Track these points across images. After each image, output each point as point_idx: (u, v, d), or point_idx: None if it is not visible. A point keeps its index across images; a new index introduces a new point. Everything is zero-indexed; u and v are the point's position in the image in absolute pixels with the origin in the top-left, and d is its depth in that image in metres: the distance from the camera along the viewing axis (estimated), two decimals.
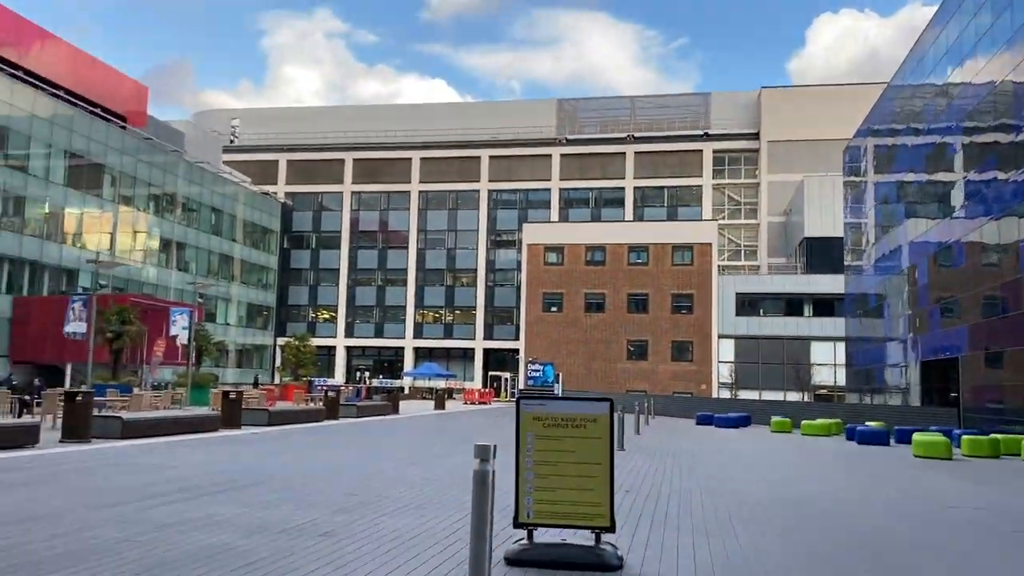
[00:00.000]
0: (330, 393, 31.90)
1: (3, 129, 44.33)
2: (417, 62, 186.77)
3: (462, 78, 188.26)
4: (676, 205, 75.20)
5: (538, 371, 61.16)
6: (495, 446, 5.51)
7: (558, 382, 59.59)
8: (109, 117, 52.71)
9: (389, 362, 77.73)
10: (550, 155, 76.61)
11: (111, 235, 52.86)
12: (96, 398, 25.34)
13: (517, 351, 67.88)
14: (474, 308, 75.70)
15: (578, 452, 6.79)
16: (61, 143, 48.43)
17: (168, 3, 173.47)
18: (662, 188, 75.50)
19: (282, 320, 76.56)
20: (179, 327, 34.92)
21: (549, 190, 76.16)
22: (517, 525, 6.71)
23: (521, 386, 63.62)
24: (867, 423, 29.35)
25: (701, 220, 69.69)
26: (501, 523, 7.03)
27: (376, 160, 79.12)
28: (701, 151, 75.74)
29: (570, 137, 77.92)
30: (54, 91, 47.54)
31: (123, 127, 54.46)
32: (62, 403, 17.40)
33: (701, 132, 76.80)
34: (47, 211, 47.91)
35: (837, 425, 30.88)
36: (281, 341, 69.68)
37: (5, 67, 44.19)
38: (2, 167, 44.30)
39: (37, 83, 46.34)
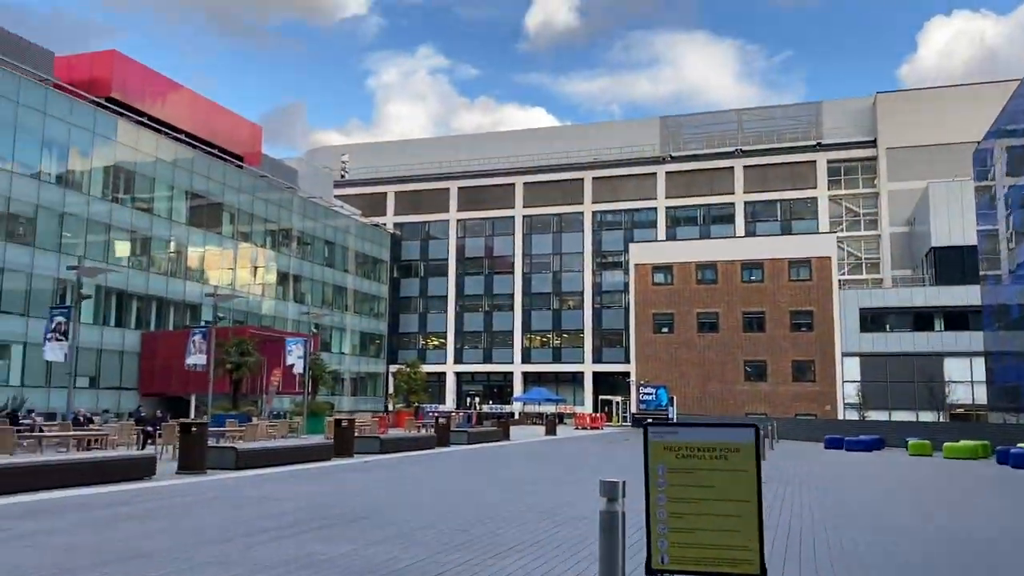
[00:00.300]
0: (440, 420, 31.62)
1: (130, 173, 46.78)
2: (517, 92, 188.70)
3: (561, 105, 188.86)
4: (790, 219, 72.22)
5: (650, 394, 59.48)
6: (623, 483, 4.71)
7: (672, 405, 57.73)
8: (227, 157, 54.96)
9: (498, 387, 77.54)
10: (654, 173, 75.17)
11: (231, 270, 54.92)
12: (215, 428, 25.85)
13: (627, 374, 66.37)
14: (582, 331, 74.69)
15: (719, 487, 5.87)
16: (183, 184, 50.74)
17: (282, 50, 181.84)
18: (774, 202, 72.71)
19: (394, 348, 77.68)
20: (295, 356, 35.54)
21: (655, 209, 74.63)
22: (650, 572, 5.84)
23: (633, 410, 62.04)
24: (1020, 445, 26.69)
25: (818, 233, 66.59)
26: (629, 564, 6.17)
27: (480, 187, 79.68)
28: (814, 162, 72.62)
29: (675, 154, 76.27)
30: (176, 135, 49.93)
31: (240, 166, 56.68)
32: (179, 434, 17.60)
33: (813, 142, 73.69)
34: (172, 249, 50.18)
35: (984, 447, 28.26)
36: (393, 368, 70.58)
37: (132, 115, 46.70)
38: (130, 209, 46.70)
39: (161, 129, 48.78)
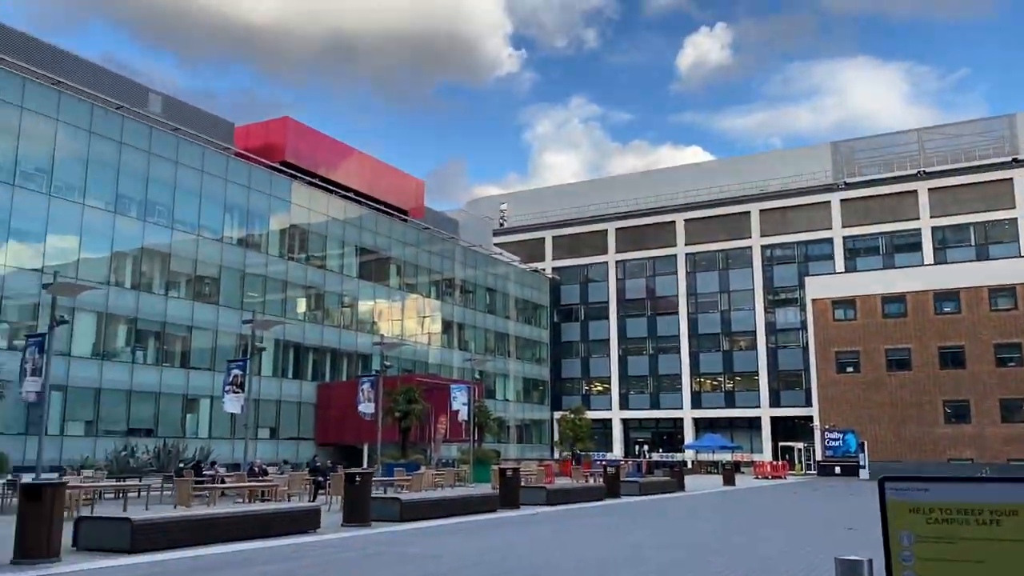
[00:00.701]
0: (609, 469, 30.14)
1: (304, 232, 49.11)
2: (671, 133, 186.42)
3: (718, 142, 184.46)
4: (986, 243, 65.51)
5: (837, 440, 54.96)
6: (870, 561, 3.36)
7: (863, 452, 52.95)
8: (392, 212, 56.78)
9: (668, 434, 74.61)
10: (828, 202, 70.70)
11: (399, 320, 56.30)
12: (383, 477, 25.71)
13: (810, 418, 61.85)
14: (756, 373, 70.69)
15: (991, 563, 4.32)
16: (353, 240, 52.75)
17: (442, 111, 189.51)
18: (966, 225, 66.30)
19: (557, 394, 76.80)
20: (460, 403, 35.33)
21: (830, 240, 70.01)
22: None
23: (818, 457, 57.53)
24: None
25: (1020, 257, 59.89)
26: None
27: (638, 227, 78.07)
28: (1011, 179, 65.76)
29: (849, 181, 71.54)
30: (345, 194, 52.13)
31: (405, 220, 58.39)
32: None
33: (1009, 158, 66.87)
34: (343, 303, 52.06)
35: None
36: (557, 415, 69.62)
37: (305, 177, 49.20)
38: (305, 266, 48.91)
39: (331, 188, 51.09)
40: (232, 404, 24.47)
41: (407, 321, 57.19)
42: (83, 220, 36.51)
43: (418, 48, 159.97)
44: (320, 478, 23.68)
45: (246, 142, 48.46)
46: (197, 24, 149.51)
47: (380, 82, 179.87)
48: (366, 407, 30.14)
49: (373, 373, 31.85)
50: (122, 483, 25.54)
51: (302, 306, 49.12)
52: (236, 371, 24.71)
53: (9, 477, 21.39)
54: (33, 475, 20.03)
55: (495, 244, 76.06)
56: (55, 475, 28.51)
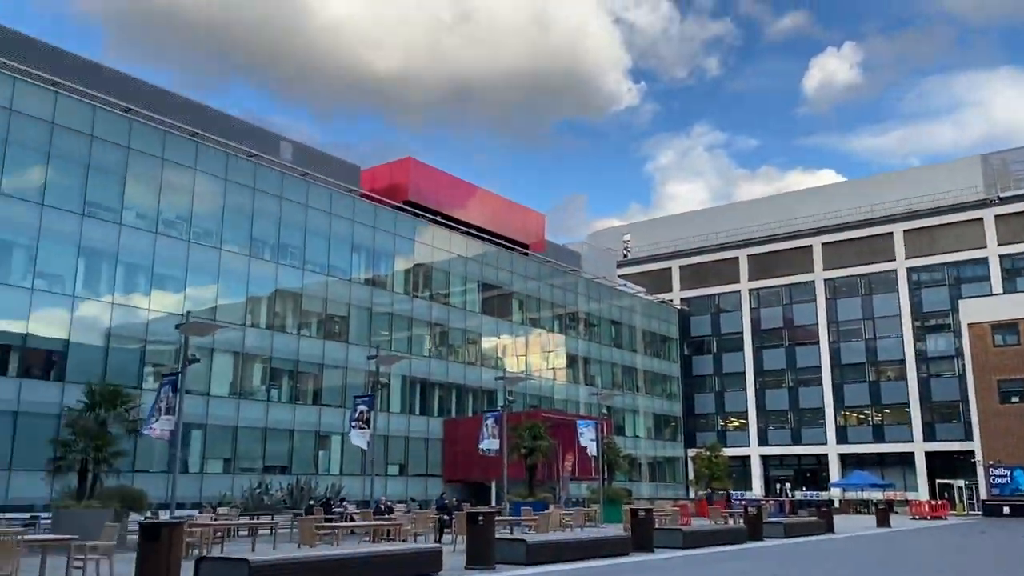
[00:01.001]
0: (751, 509, 28.10)
1: (428, 269, 49.55)
2: (800, 157, 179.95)
3: (850, 164, 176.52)
4: None
5: (1004, 477, 49.95)
6: None
7: None
8: (514, 247, 56.62)
9: (811, 471, 70.24)
10: (980, 219, 65.38)
11: (523, 355, 55.76)
12: (510, 517, 24.84)
13: (970, 453, 56.66)
14: (907, 405, 65.63)
15: None
16: (475, 276, 52.84)
17: (560, 148, 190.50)
18: None
19: (690, 430, 73.95)
20: (587, 439, 34.13)
21: (984, 259, 64.58)
22: None
23: (983, 496, 52.43)
24: None
25: None
26: None
27: (772, 253, 74.71)
28: None
29: (1003, 195, 66.03)
30: (467, 230, 52.37)
31: (526, 254, 58.10)
32: None
33: None
34: (468, 338, 52.04)
35: None
36: (691, 452, 66.89)
37: (427, 215, 49.77)
38: (429, 303, 49.25)
39: (453, 225, 51.45)
40: (358, 438, 24.35)
41: (531, 356, 56.57)
42: (220, 264, 38.00)
43: (536, 87, 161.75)
44: (446, 516, 23.07)
45: (372, 184, 49.60)
46: (328, 79, 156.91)
47: (499, 122, 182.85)
48: (490, 443, 29.49)
49: (497, 409, 31.21)
50: (255, 520, 25.83)
51: (427, 342, 49.39)
52: (362, 406, 24.62)
53: (147, 514, 21.89)
54: (167, 513, 20.38)
55: (619, 276, 74.66)
56: (196, 512, 29.28)
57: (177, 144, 36.96)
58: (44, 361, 31.81)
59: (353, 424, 24.78)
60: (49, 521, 21.02)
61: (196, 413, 35.54)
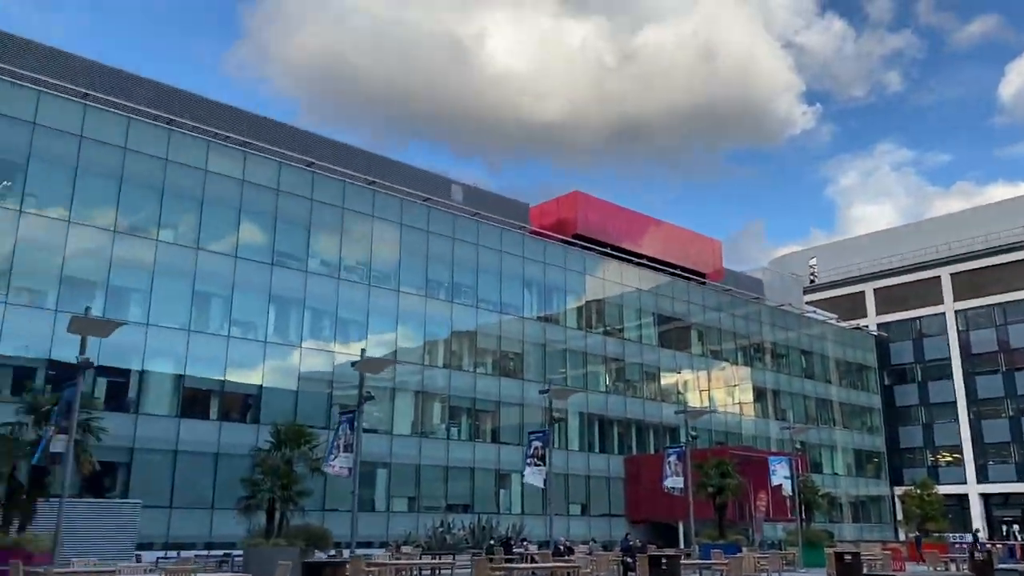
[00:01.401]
0: (978, 554, 24.63)
1: (600, 303, 48.65)
2: (1001, 169, 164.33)
3: None
4: None
5: None
6: None
7: None
8: (690, 276, 54.60)
9: None
10: None
11: (705, 390, 53.31)
12: (699, 560, 23.14)
13: None
14: None
15: None
16: (650, 307, 51.31)
17: (732, 176, 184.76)
18: None
19: (895, 466, 67.65)
20: (780, 477, 31.61)
21: None
22: None
23: None
24: None
25: None
26: None
27: (980, 269, 67.64)
28: None
29: None
30: (639, 261, 51.07)
31: (703, 283, 55.86)
32: None
33: None
34: (645, 373, 50.42)
35: None
36: (898, 491, 61.05)
37: (597, 248, 48.95)
38: (603, 337, 48.22)
39: (624, 257, 50.33)
40: (533, 477, 23.67)
41: (714, 390, 54.01)
42: (398, 306, 39.01)
43: (704, 119, 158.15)
44: (629, 559, 21.78)
45: (540, 220, 49.60)
46: (497, 130, 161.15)
47: (667, 156, 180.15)
48: (673, 481, 27.87)
49: (680, 445, 29.57)
50: (435, 560, 25.66)
51: (604, 378, 48.30)
52: (536, 443, 23.97)
53: (331, 552, 22.21)
54: (348, 551, 20.52)
55: (806, 303, 70.27)
56: (379, 551, 29.65)
57: (356, 193, 38.56)
58: (240, 404, 33.69)
59: (528, 461, 24.15)
60: (241, 558, 21.78)
61: (380, 452, 36.38)
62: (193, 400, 32.21)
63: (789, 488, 31.76)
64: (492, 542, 28.51)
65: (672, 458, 28.14)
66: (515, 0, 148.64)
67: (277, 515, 21.80)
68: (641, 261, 51.42)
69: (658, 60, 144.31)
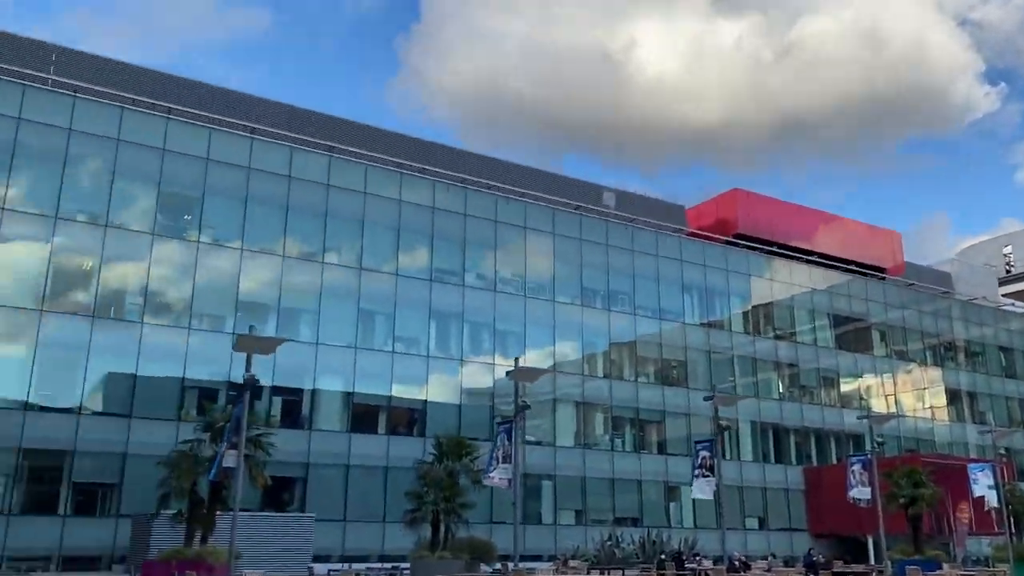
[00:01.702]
0: None
1: (768, 304, 46.15)
2: None
3: None
4: None
5: None
6: None
7: None
8: (867, 272, 50.86)
9: None
10: None
11: (890, 394, 49.32)
12: None
13: None
14: None
15: None
16: (824, 307, 48.17)
17: (908, 167, 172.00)
18: None
19: None
20: (983, 487, 28.39)
21: None
22: None
23: None
24: None
25: None
26: None
27: None
28: None
29: None
30: (808, 258, 48.08)
31: (883, 279, 51.87)
32: None
33: None
34: (822, 377, 47.31)
35: None
36: None
37: (761, 247, 46.47)
38: (773, 341, 45.69)
39: (793, 255, 47.55)
40: (702, 489, 22.41)
41: (901, 393, 49.86)
42: (554, 316, 38.65)
43: (874, 109, 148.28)
44: (812, 575, 20.07)
45: (698, 222, 47.85)
46: (652, 137, 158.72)
47: (835, 150, 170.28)
48: (859, 492, 25.62)
49: (864, 453, 27.19)
50: (605, 575, 24.87)
51: (777, 384, 45.72)
52: (704, 452, 22.71)
53: (496, 566, 21.97)
54: (513, 564, 20.15)
55: (1003, 295, 63.77)
56: (545, 564, 29.22)
57: (508, 206, 38.67)
58: (407, 418, 34.42)
59: (696, 472, 22.93)
60: (408, 571, 21.94)
61: (544, 464, 36.04)
62: (362, 415, 33.22)
63: (994, 499, 28.45)
64: (663, 556, 27.35)
65: (856, 467, 25.88)
66: (664, 9, 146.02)
67: (442, 527, 21.83)
68: (811, 259, 48.40)
69: (819, 51, 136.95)
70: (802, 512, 43.60)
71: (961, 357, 53.95)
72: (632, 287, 41.68)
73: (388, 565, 26.03)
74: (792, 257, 47.58)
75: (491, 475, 19.78)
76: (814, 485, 43.74)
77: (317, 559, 26.63)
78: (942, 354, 53.02)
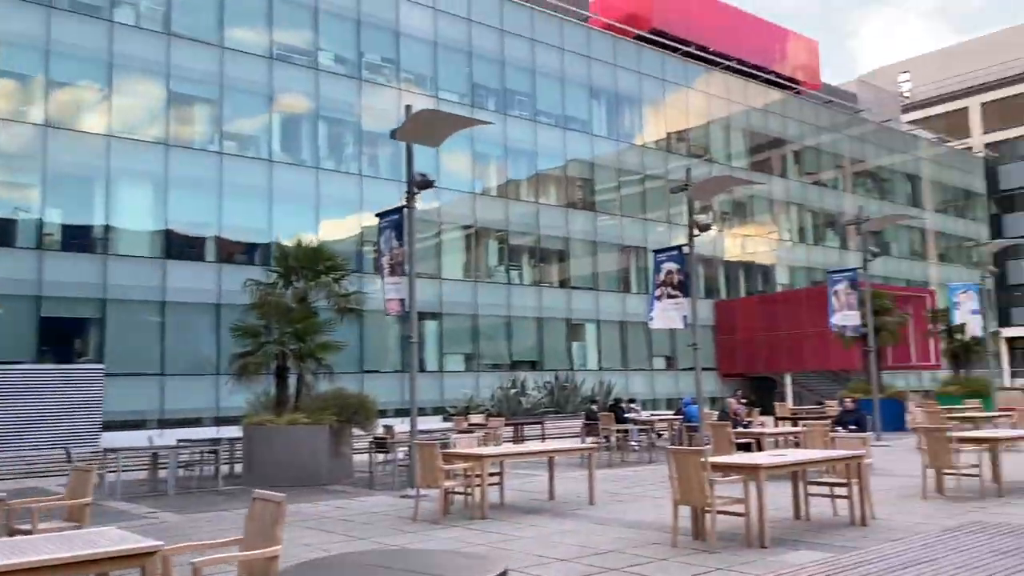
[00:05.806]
0: None
1: (685, 119, 39.61)
2: None
3: None
4: None
5: None
6: None
7: None
8: (783, 82, 45.12)
9: None
10: None
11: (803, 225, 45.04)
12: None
13: None
14: None
15: None
16: (740, 124, 42.25)
17: None
18: None
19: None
20: (965, 311, 23.58)
21: None
22: None
23: None
24: None
25: None
26: None
27: None
28: None
29: None
30: (727, 63, 41.46)
31: (798, 93, 46.26)
32: None
33: None
34: (734, 202, 42.08)
35: None
36: (1005, 332, 53.63)
37: (678, 45, 39.49)
38: (692, 159, 39.59)
39: (709, 57, 40.83)
40: (668, 317, 15.78)
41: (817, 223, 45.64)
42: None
43: None
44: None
45: (606, 14, 39.74)
46: None
47: None
48: (844, 318, 19.95)
49: (851, 269, 21.38)
50: (547, 447, 18.26)
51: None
52: (669, 265, 15.96)
53: (379, 431, 14.81)
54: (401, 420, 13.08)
55: (906, 123, 60.38)
56: (442, 423, 22.53)
57: None
58: (243, 245, 26.02)
59: (657, 294, 16.21)
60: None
61: (428, 301, 28.75)
62: (182, 239, 24.56)
63: (979, 327, 23.78)
64: (592, 406, 21.16)
65: (841, 286, 20.04)
66: None
67: (292, 380, 14.33)
68: (731, 64, 41.83)
69: None
70: (712, 351, 39.06)
71: (870, 183, 50.23)
72: (532, 86, 33.80)
73: (219, 432, 18.46)
74: (707, 59, 40.85)
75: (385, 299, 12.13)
76: (725, 321, 39.25)
77: (120, 426, 18.87)
78: (853, 180, 49.00)
